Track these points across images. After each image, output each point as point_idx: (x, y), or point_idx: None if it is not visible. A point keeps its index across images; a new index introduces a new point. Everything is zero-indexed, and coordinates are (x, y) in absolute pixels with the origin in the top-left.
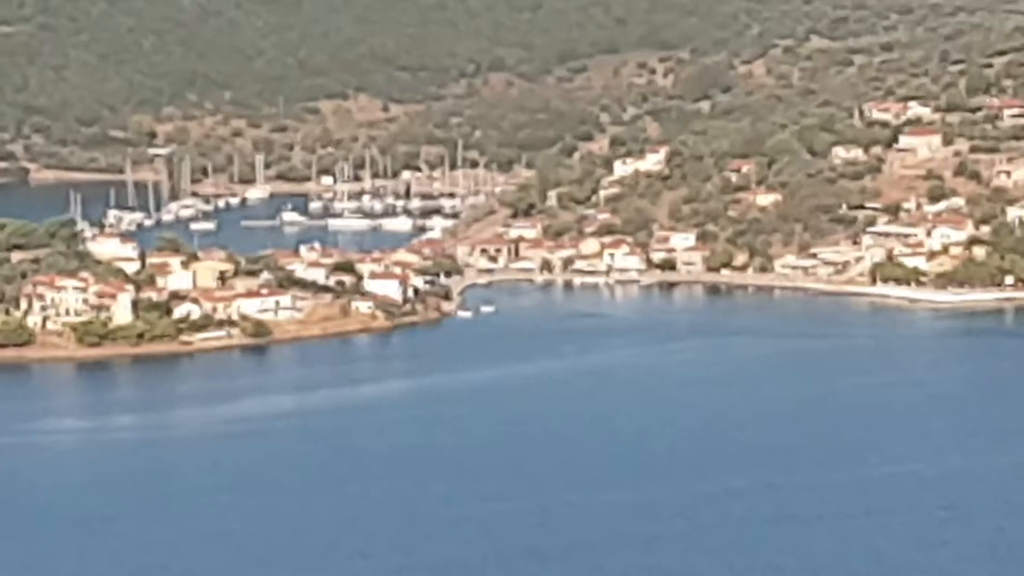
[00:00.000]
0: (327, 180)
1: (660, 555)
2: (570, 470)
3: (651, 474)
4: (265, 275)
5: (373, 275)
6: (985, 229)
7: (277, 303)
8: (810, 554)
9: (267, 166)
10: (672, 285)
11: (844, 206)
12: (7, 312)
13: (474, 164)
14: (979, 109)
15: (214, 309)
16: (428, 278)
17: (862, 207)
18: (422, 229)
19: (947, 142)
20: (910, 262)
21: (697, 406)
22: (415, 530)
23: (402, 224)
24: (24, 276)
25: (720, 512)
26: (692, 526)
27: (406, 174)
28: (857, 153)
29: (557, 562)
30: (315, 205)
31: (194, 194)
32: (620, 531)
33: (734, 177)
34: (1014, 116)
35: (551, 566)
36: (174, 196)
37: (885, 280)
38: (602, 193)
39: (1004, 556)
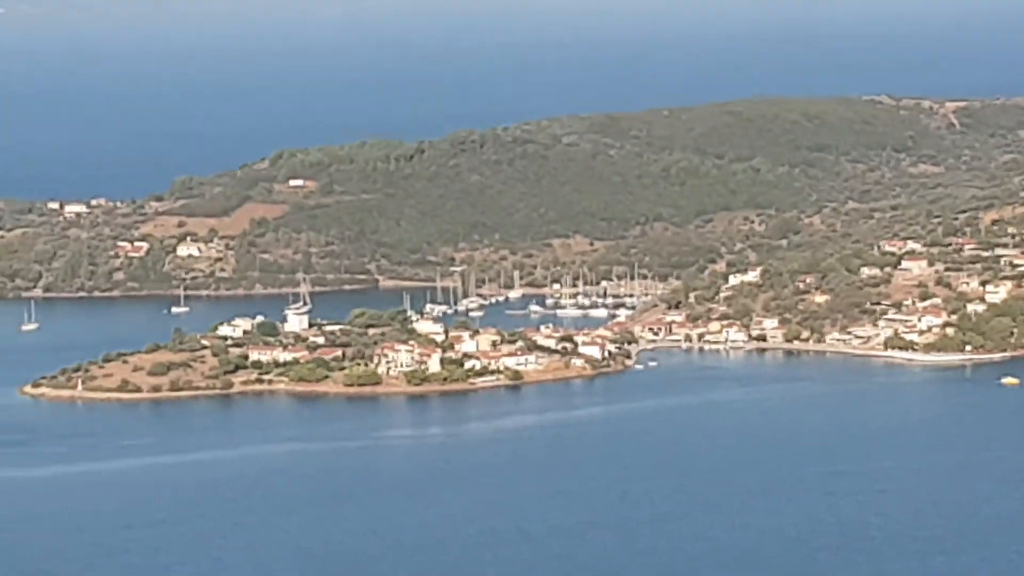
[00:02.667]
0: (556, 286)
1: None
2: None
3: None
4: (520, 343)
5: (584, 343)
6: (953, 317)
7: (526, 360)
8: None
9: (520, 278)
10: (763, 351)
11: (868, 303)
12: (365, 364)
13: (644, 277)
14: (949, 245)
15: (488, 363)
16: (617, 345)
17: (879, 303)
18: (613, 316)
19: (930, 265)
20: (908, 337)
21: (776, 422)
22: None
23: (601, 313)
24: (375, 343)
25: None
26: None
27: (604, 283)
28: (876, 271)
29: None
30: (549, 301)
31: (477, 295)
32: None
33: (801, 285)
34: (971, 250)
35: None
36: (465, 296)
37: (893, 348)
38: (722, 295)
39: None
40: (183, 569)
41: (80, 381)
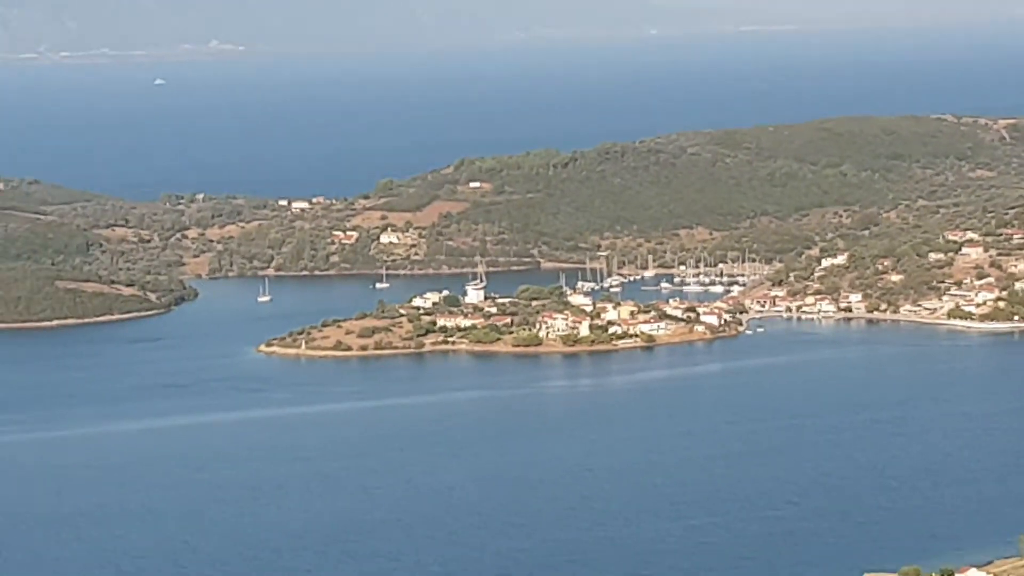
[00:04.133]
0: (682, 267)
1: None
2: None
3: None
4: (652, 313)
5: (704, 313)
6: (1004, 293)
7: (658, 326)
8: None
9: (653, 261)
10: (849, 320)
11: (934, 281)
12: (529, 329)
13: (753, 260)
14: (1001, 235)
15: (627, 329)
16: (731, 315)
17: (943, 282)
18: (728, 291)
19: (985, 251)
20: (967, 308)
21: (859, 376)
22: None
23: (718, 289)
24: (537, 313)
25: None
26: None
27: (720, 265)
28: (941, 256)
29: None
30: (676, 279)
31: (618, 274)
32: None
33: (880, 267)
34: (1019, 239)
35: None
36: (609, 275)
37: (954, 317)
38: (816, 274)
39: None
40: (383, 492)
41: (303, 342)
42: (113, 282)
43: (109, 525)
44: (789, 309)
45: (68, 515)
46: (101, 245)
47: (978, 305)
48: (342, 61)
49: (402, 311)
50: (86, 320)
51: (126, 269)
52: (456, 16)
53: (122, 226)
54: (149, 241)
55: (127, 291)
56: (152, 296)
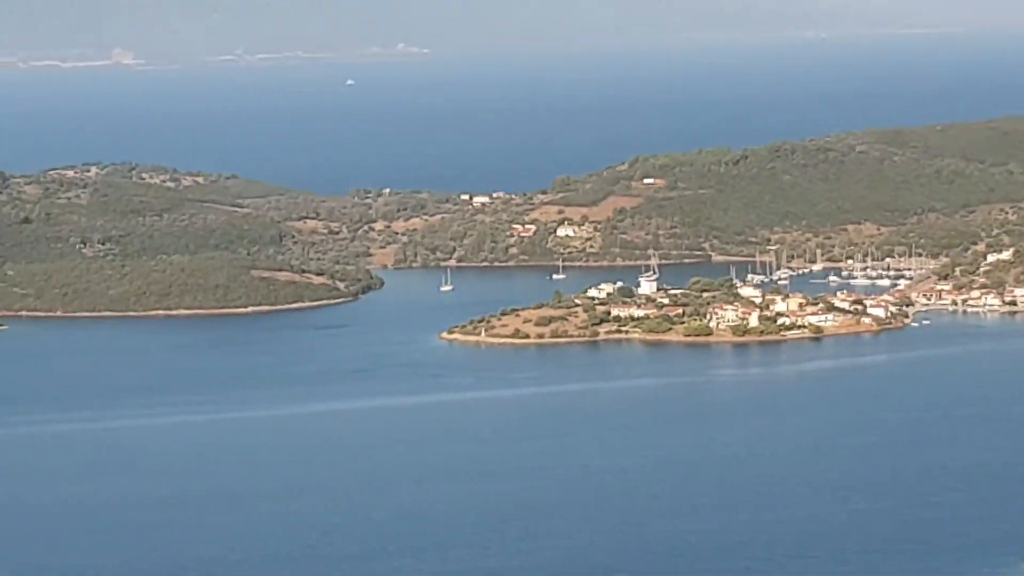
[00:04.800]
0: (850, 261)
1: None
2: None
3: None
4: (820, 305)
5: (871, 305)
6: None
7: (826, 318)
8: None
9: (822, 255)
10: (1014, 313)
11: None
12: (700, 319)
13: (920, 254)
14: None
15: (796, 320)
16: (898, 307)
17: None
18: (894, 285)
19: None
20: None
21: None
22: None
23: (885, 282)
24: (708, 304)
25: None
26: None
27: (887, 259)
28: None
29: None
30: (844, 273)
31: (787, 267)
32: None
33: None
34: None
35: None
36: (778, 268)
37: None
38: (981, 269)
39: None
40: (556, 471)
41: (483, 330)
42: (304, 271)
43: (297, 502)
44: (955, 302)
45: (260, 493)
46: (293, 236)
47: None
48: (523, 63)
49: (578, 301)
50: (278, 307)
51: (316, 259)
52: (629, 19)
53: (313, 218)
54: (338, 233)
55: (317, 280)
56: (340, 285)
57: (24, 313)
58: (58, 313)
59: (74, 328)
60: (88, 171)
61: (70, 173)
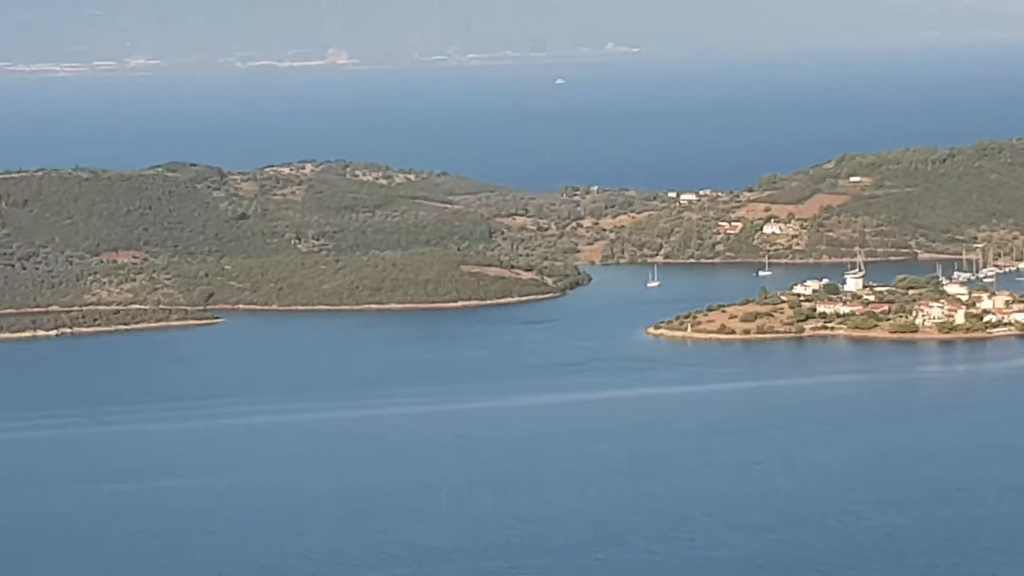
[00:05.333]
0: None
1: None
2: None
3: None
4: None
5: None
6: None
7: None
8: None
9: None
10: None
11: None
12: (905, 316)
13: None
14: None
15: (1002, 317)
16: None
17: None
18: None
19: None
20: None
21: None
22: None
23: None
24: (914, 301)
25: None
26: None
27: None
28: None
29: None
30: None
31: (994, 265)
32: None
33: None
34: None
35: None
36: (984, 266)
37: None
38: None
39: None
40: (762, 468)
41: (689, 325)
42: (513, 267)
43: (504, 493)
44: None
45: (469, 483)
46: (503, 232)
47: None
48: (730, 64)
49: (783, 298)
50: (487, 302)
51: (525, 255)
52: (833, 21)
53: (522, 215)
54: (547, 229)
55: (526, 275)
56: (549, 280)
57: (241, 306)
58: (273, 307)
59: (289, 321)
60: (303, 168)
61: (286, 170)
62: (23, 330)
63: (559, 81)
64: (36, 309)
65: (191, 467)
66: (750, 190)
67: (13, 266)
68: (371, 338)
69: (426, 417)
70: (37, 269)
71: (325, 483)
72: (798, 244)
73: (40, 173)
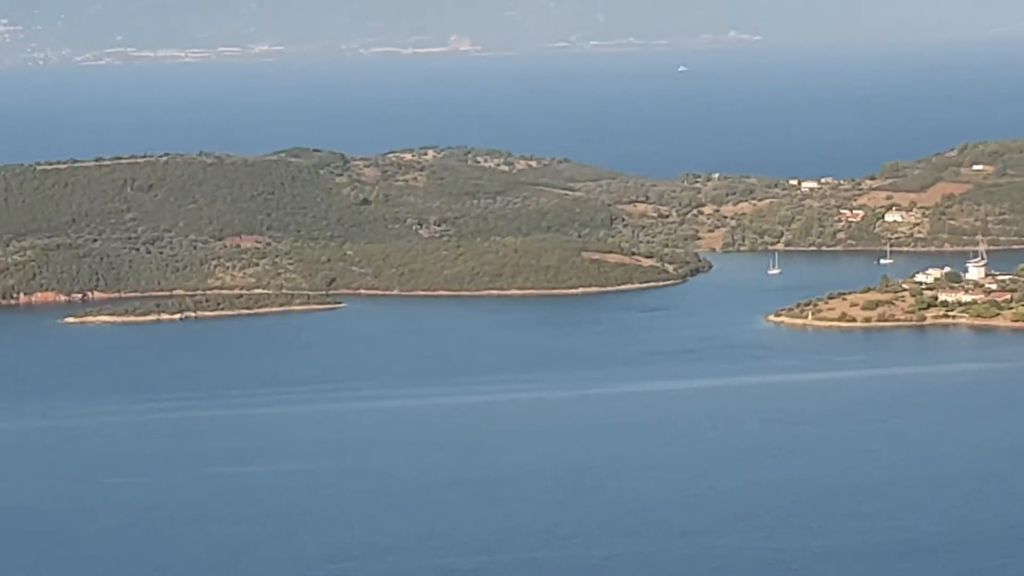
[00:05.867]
0: None
1: None
2: None
3: None
4: None
5: None
6: None
7: None
8: None
9: None
10: None
11: None
12: None
13: None
14: None
15: None
16: None
17: None
18: None
19: None
20: None
21: None
22: None
23: None
24: None
25: None
26: None
27: None
28: None
29: None
30: None
31: None
32: None
33: None
34: None
35: None
36: None
37: None
38: None
39: None
40: (881, 456)
41: (810, 312)
42: (634, 253)
43: (621, 478)
44: None
45: (589, 468)
46: (623, 219)
47: None
48: (850, 52)
49: (905, 286)
50: (608, 288)
51: (646, 242)
52: (954, 10)
53: (643, 202)
54: (667, 216)
55: (646, 262)
56: (669, 267)
57: (363, 291)
58: (395, 292)
59: (410, 306)
60: (425, 154)
61: (408, 156)
62: (147, 314)
63: (682, 68)
64: (160, 293)
65: (312, 450)
66: (872, 178)
67: (138, 250)
68: (491, 324)
69: (545, 403)
70: (161, 253)
71: (445, 468)
72: (920, 232)
73: (165, 158)
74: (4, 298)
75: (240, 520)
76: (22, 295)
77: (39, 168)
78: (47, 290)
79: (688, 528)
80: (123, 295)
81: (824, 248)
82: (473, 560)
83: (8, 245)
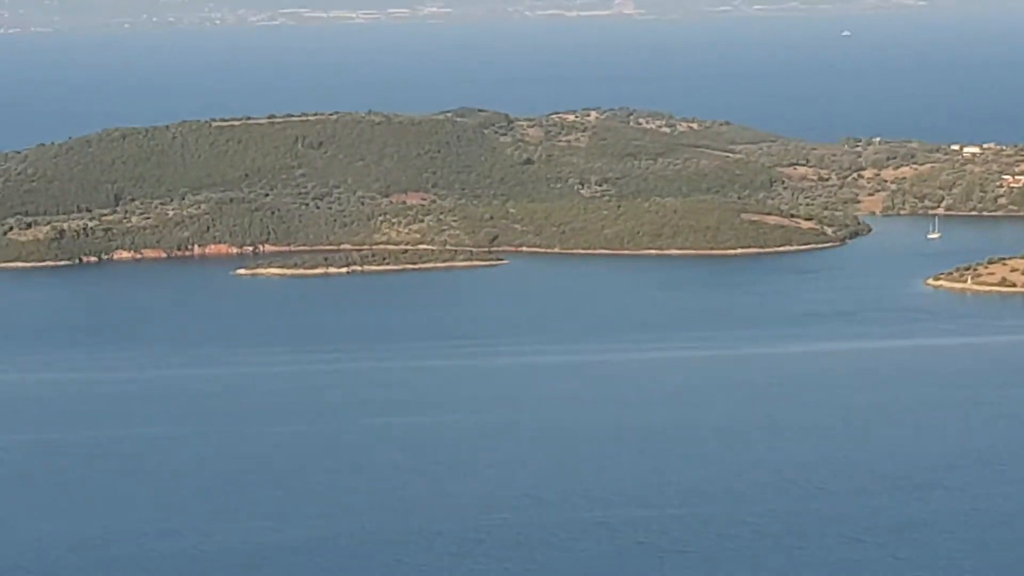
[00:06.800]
0: None
1: None
2: None
3: None
4: None
5: None
6: None
7: None
8: None
9: None
10: None
11: None
12: None
13: None
14: None
15: None
16: None
17: None
18: None
19: None
20: None
21: None
22: None
23: None
24: None
25: None
26: None
27: None
28: None
29: None
30: None
31: None
32: None
33: None
34: None
35: None
36: None
37: None
38: None
39: None
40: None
41: (969, 277)
42: (793, 216)
43: (773, 437)
44: None
45: (737, 426)
46: (783, 182)
47: None
48: (1016, 16)
49: None
50: (766, 250)
51: (805, 204)
52: None
53: (803, 165)
54: (827, 180)
55: (805, 225)
56: (828, 230)
57: (524, 249)
58: (555, 250)
59: (570, 264)
60: (588, 115)
61: (570, 117)
62: (315, 267)
63: (845, 33)
64: (328, 247)
65: (471, 403)
66: None
67: (308, 205)
68: (649, 283)
69: (700, 362)
70: (330, 208)
71: (599, 423)
72: None
73: (335, 116)
74: (179, 250)
75: (400, 469)
76: (196, 247)
77: (214, 124)
78: (220, 243)
79: (838, 488)
80: (292, 248)
81: (985, 213)
82: (625, 513)
83: (184, 199)
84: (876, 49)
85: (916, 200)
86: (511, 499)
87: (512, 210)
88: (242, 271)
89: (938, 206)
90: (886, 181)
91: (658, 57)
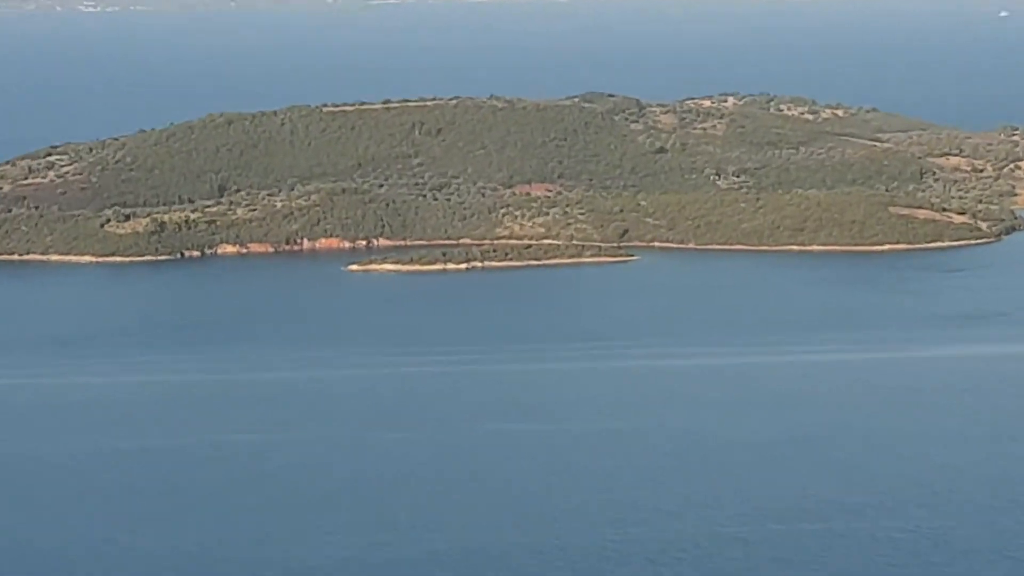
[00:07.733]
0: None
1: None
2: None
3: None
4: None
5: None
6: None
7: None
8: None
9: None
10: None
11: None
12: None
13: None
14: None
15: None
16: None
17: None
18: None
19: None
20: None
21: None
22: None
23: None
24: None
25: None
26: None
27: None
28: None
29: None
30: None
31: None
32: None
33: None
34: None
35: None
36: None
37: None
38: None
39: None
40: None
41: None
42: (945, 209)
43: (919, 445)
44: None
45: (880, 434)
46: (934, 173)
47: None
48: None
49: None
50: (916, 246)
51: (958, 197)
52: None
53: (956, 155)
54: (982, 171)
55: (958, 219)
56: (983, 225)
57: (656, 244)
58: (690, 245)
59: (705, 260)
60: (725, 101)
61: (706, 103)
62: (433, 262)
63: (1003, 13)
64: (446, 241)
65: (598, 409)
66: None
67: (424, 196)
68: (791, 280)
69: (843, 365)
70: (448, 200)
71: (734, 430)
72: None
73: (454, 102)
74: (288, 244)
75: (520, 479)
76: (305, 241)
77: (325, 110)
78: (331, 236)
79: (989, 503)
80: (408, 243)
81: None
82: (762, 530)
83: (293, 189)
84: None
85: None
86: (640, 512)
87: (643, 203)
88: (354, 267)
89: None
90: None
91: (800, 39)
